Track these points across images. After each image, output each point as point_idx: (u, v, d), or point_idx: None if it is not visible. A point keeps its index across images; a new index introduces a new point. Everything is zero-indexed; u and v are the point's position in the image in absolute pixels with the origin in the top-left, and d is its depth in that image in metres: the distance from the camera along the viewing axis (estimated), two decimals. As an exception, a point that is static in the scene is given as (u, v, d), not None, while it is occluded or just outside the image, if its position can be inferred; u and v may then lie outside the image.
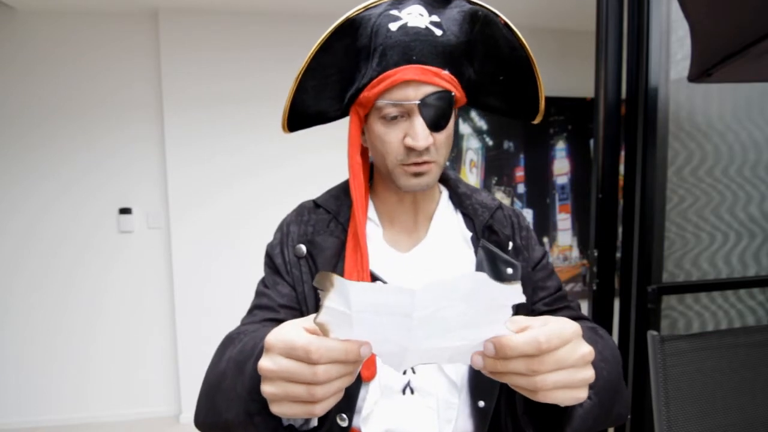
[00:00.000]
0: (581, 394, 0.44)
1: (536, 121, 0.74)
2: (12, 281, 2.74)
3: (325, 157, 2.59)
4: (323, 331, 0.42)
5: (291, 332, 0.43)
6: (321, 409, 0.43)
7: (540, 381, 0.41)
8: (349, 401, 0.65)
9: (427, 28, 0.62)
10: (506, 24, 0.67)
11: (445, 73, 0.63)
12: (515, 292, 0.40)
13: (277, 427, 0.50)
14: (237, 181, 2.82)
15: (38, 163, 2.72)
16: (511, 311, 0.41)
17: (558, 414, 0.55)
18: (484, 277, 0.39)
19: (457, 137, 3.02)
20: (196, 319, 2.79)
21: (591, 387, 0.53)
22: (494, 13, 0.67)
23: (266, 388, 0.44)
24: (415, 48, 0.61)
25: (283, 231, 0.75)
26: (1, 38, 2.63)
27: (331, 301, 0.40)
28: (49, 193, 2.74)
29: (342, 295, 0.39)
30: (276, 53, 2.78)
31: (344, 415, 0.65)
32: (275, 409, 0.44)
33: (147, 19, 2.73)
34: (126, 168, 2.80)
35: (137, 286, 2.85)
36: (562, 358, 0.42)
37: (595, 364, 0.45)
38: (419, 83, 0.61)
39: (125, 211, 2.80)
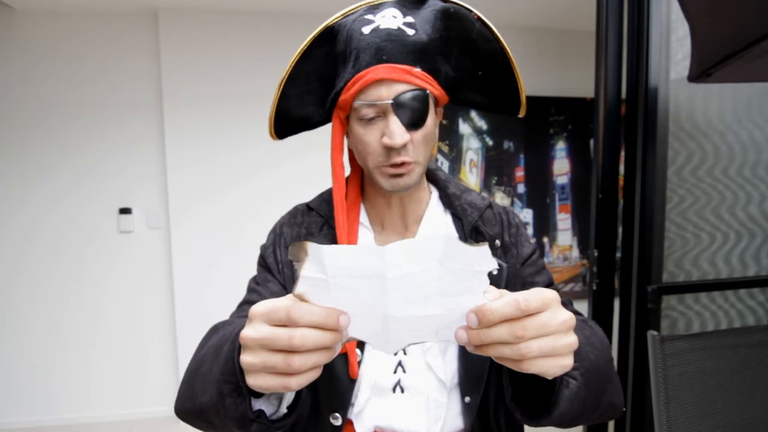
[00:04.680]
0: (566, 361, 0.44)
1: (520, 115, 0.74)
2: (12, 281, 2.74)
3: (324, 157, 2.56)
4: (303, 301, 0.43)
5: (274, 299, 0.44)
6: (296, 383, 0.43)
7: (524, 348, 0.42)
8: (342, 400, 0.66)
9: (399, 28, 0.63)
10: (479, 18, 0.68)
11: (417, 70, 0.63)
12: (485, 255, 0.40)
13: (246, 411, 0.50)
14: (237, 181, 2.82)
15: (38, 163, 2.72)
16: (487, 280, 0.42)
17: (545, 398, 0.55)
18: (453, 238, 0.40)
19: (457, 137, 3.02)
20: (196, 318, 2.79)
21: (577, 368, 0.53)
22: (467, 9, 0.67)
23: (244, 358, 0.44)
24: (385, 48, 0.62)
25: (276, 232, 0.77)
26: (1, 38, 2.63)
27: (307, 270, 0.40)
28: (49, 193, 2.73)
29: (317, 262, 0.40)
30: (276, 53, 2.77)
31: (337, 414, 0.66)
32: (251, 381, 0.44)
33: (147, 19, 2.73)
34: (126, 168, 2.80)
35: (137, 286, 2.85)
36: (544, 323, 0.42)
37: (581, 346, 0.46)
38: (391, 82, 0.62)
39: (125, 211, 2.80)
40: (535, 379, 0.57)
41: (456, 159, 3.04)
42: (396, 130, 0.63)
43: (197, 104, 2.75)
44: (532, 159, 3.15)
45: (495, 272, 0.69)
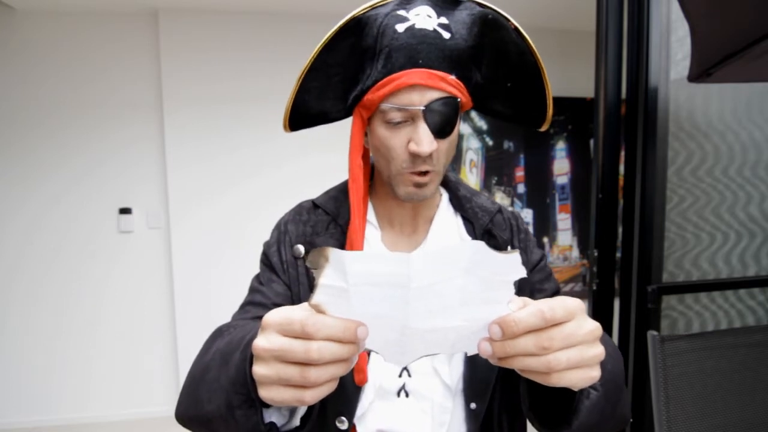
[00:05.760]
0: (594, 373, 0.42)
1: (543, 129, 0.71)
2: (12, 281, 2.74)
3: (325, 157, 2.59)
4: (319, 312, 0.41)
5: (289, 309, 0.42)
6: (311, 396, 0.41)
7: (553, 359, 0.40)
8: (349, 404, 0.64)
9: (435, 30, 0.60)
10: (516, 29, 0.66)
11: (452, 78, 0.61)
12: (514, 263, 0.39)
13: (257, 423, 0.48)
14: (237, 181, 2.83)
15: (38, 164, 2.72)
16: (513, 289, 0.40)
17: (564, 408, 0.54)
18: (482, 245, 0.38)
19: (457, 137, 3.02)
20: (196, 318, 2.79)
21: None
22: (504, 17, 0.65)
23: (258, 369, 0.42)
24: (422, 51, 0.59)
25: (281, 230, 0.74)
26: (1, 38, 2.63)
27: (326, 278, 0.38)
28: (50, 193, 2.74)
29: (338, 269, 0.38)
30: (276, 53, 2.77)
31: (343, 418, 0.64)
32: (264, 393, 0.43)
33: (147, 19, 2.73)
34: (126, 168, 2.80)
35: (137, 286, 2.85)
36: (571, 333, 0.40)
37: None
38: (425, 88, 0.60)
39: (125, 211, 2.80)
40: (554, 390, 0.55)
41: (456, 159, 3.04)
42: (425, 138, 0.60)
43: (197, 104, 2.75)
44: (532, 159, 3.15)
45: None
